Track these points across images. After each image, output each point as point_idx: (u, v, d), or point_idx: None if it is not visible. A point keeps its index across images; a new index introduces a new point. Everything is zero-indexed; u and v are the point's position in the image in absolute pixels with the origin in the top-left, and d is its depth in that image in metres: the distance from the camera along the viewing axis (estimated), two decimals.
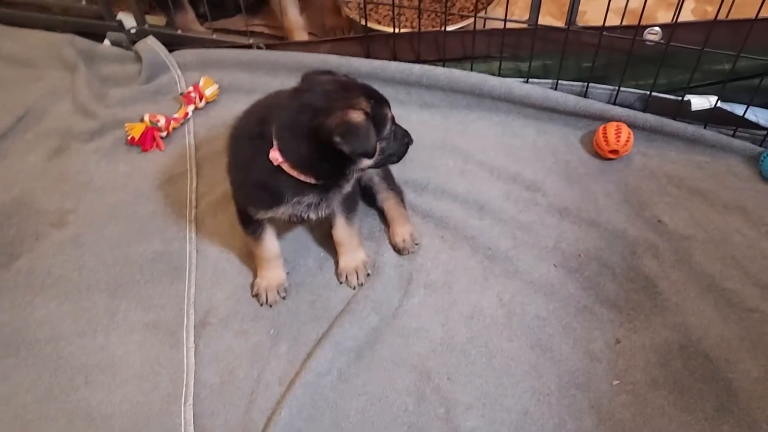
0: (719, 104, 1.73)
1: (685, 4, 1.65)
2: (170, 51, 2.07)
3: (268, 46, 2.05)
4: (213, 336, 1.42)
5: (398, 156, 1.34)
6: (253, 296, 1.48)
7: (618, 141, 1.70)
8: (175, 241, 1.59)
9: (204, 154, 1.79)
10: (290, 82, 1.33)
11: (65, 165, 1.79)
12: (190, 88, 1.93)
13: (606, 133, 1.71)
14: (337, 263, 1.52)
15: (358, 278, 1.49)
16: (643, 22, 1.69)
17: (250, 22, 2.11)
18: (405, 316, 1.44)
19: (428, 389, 1.33)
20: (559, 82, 1.84)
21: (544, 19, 2.18)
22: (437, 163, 1.74)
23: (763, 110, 1.77)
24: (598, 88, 1.83)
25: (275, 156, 1.21)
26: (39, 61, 2.13)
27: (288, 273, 1.51)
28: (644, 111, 1.79)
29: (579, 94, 1.84)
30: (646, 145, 1.78)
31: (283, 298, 1.48)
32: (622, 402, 1.30)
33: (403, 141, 1.34)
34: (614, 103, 1.82)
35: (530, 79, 1.87)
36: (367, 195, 1.59)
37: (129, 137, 1.82)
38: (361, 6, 1.98)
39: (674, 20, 1.66)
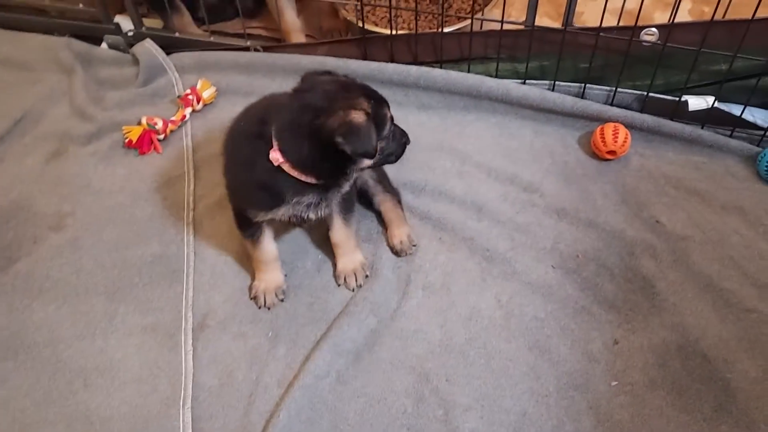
0: (716, 104, 1.73)
1: (681, 4, 1.65)
2: (167, 54, 2.07)
3: (266, 49, 2.05)
4: (211, 339, 1.42)
5: (396, 156, 1.35)
6: (251, 299, 1.48)
7: (615, 142, 1.70)
8: (173, 244, 1.59)
9: (201, 157, 1.79)
10: (288, 84, 1.33)
11: (63, 168, 1.79)
12: (188, 91, 1.93)
13: (603, 134, 1.71)
14: (335, 265, 1.52)
15: (356, 280, 1.49)
16: (639, 23, 1.69)
17: (247, 24, 2.11)
18: (403, 317, 1.44)
19: (427, 391, 1.33)
20: (557, 83, 1.85)
21: (541, 20, 2.18)
22: (435, 165, 1.74)
23: (760, 110, 1.77)
24: (596, 89, 1.84)
25: (276, 156, 1.21)
26: (36, 65, 2.13)
27: (286, 275, 1.51)
28: (641, 112, 1.79)
29: (576, 95, 1.84)
30: (644, 146, 1.78)
31: (282, 300, 1.48)
32: (621, 403, 1.30)
33: (401, 141, 1.34)
34: (611, 104, 1.82)
35: (527, 81, 1.87)
36: (364, 198, 1.59)
37: (126, 140, 1.82)
38: (359, 8, 1.98)
39: (671, 21, 1.66)
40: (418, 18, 1.91)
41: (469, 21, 1.97)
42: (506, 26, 1.80)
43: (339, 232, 1.47)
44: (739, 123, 1.75)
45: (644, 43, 1.73)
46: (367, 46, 1.95)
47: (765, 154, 1.67)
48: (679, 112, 1.77)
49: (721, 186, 1.67)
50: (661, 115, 1.78)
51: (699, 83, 1.78)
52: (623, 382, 1.33)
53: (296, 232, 1.61)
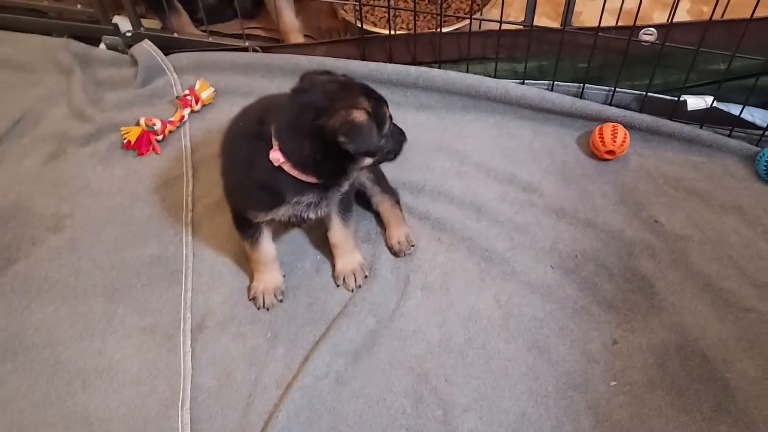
0: (715, 104, 1.73)
1: (680, 4, 1.66)
2: (166, 54, 2.07)
3: (264, 49, 2.05)
4: (210, 339, 1.42)
5: (395, 153, 1.35)
6: (250, 300, 1.48)
7: (614, 142, 1.70)
8: (172, 245, 1.58)
9: (200, 157, 1.79)
10: (286, 84, 1.33)
11: (62, 169, 1.79)
12: (186, 91, 1.93)
13: (602, 134, 1.71)
14: (333, 266, 1.52)
15: (356, 280, 1.49)
16: (638, 23, 1.69)
17: (245, 25, 2.11)
18: (402, 318, 1.44)
19: (426, 391, 1.33)
20: (555, 83, 1.85)
21: (540, 20, 2.18)
22: (434, 165, 1.74)
23: (759, 110, 1.77)
24: (594, 89, 1.83)
25: (276, 156, 1.21)
26: (35, 66, 2.13)
27: (284, 276, 1.51)
28: (640, 111, 1.79)
29: (575, 95, 1.84)
30: (643, 146, 1.78)
31: (280, 301, 1.48)
32: (620, 403, 1.29)
33: (399, 139, 1.35)
34: (610, 104, 1.82)
35: (526, 81, 1.87)
36: (363, 198, 1.58)
37: (125, 141, 1.82)
38: (357, 8, 1.98)
39: (669, 20, 1.66)
40: (416, 18, 1.91)
41: (467, 21, 1.96)
42: (505, 26, 1.80)
43: (337, 233, 1.47)
44: (737, 122, 1.75)
45: (643, 43, 1.73)
46: (365, 46, 1.95)
47: (764, 154, 1.67)
48: (678, 112, 1.77)
49: (720, 186, 1.67)
50: (659, 115, 1.78)
51: (698, 83, 1.78)
52: (622, 382, 1.32)
53: (295, 232, 1.60)
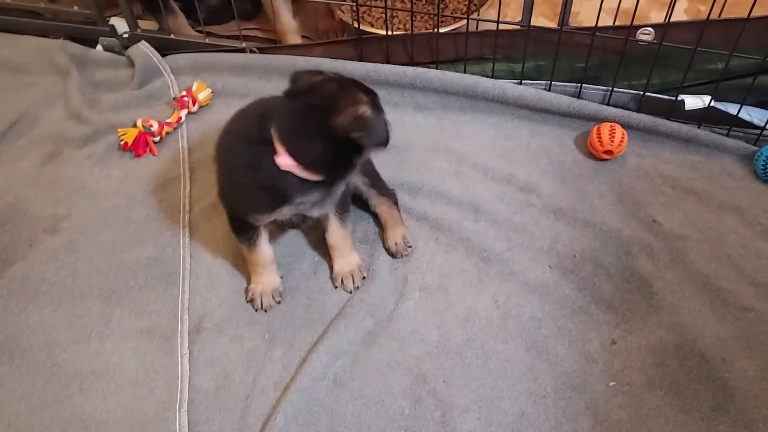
0: (713, 104, 1.73)
1: (677, 3, 1.66)
2: (163, 56, 2.06)
3: (261, 50, 2.05)
4: (208, 341, 1.41)
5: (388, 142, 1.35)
6: (247, 302, 1.47)
7: (612, 141, 1.70)
8: (169, 247, 1.58)
9: (197, 159, 1.79)
10: (284, 85, 1.32)
11: (58, 171, 1.79)
12: (183, 93, 1.92)
13: (600, 134, 1.71)
14: (331, 268, 1.51)
15: (354, 282, 1.49)
16: (635, 22, 1.69)
17: (242, 26, 2.11)
18: (400, 319, 1.44)
19: (424, 392, 1.32)
20: (553, 83, 1.84)
21: (537, 20, 2.18)
22: (431, 165, 1.74)
23: (756, 109, 1.77)
24: (592, 89, 1.83)
25: (284, 162, 1.20)
26: (31, 67, 2.13)
27: (282, 277, 1.50)
28: (638, 111, 1.79)
29: (572, 95, 1.84)
30: (640, 146, 1.78)
31: (278, 302, 1.47)
32: (619, 403, 1.29)
33: (387, 127, 1.34)
34: (608, 104, 1.82)
35: (523, 81, 1.87)
36: (361, 200, 1.58)
37: (122, 142, 1.82)
38: (354, 9, 1.98)
39: (667, 20, 1.66)
40: (413, 18, 1.91)
41: (464, 21, 1.97)
42: (502, 26, 1.80)
43: (335, 233, 1.47)
44: (735, 122, 1.75)
45: (640, 43, 1.73)
46: (362, 46, 1.95)
47: (761, 153, 1.67)
48: (676, 112, 1.77)
49: (717, 185, 1.67)
50: (657, 115, 1.78)
51: (695, 82, 1.78)
52: (621, 382, 1.32)
53: (292, 234, 1.60)
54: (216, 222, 1.60)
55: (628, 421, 1.27)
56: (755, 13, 1.56)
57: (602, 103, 1.83)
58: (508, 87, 1.82)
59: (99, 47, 2.19)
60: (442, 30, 1.97)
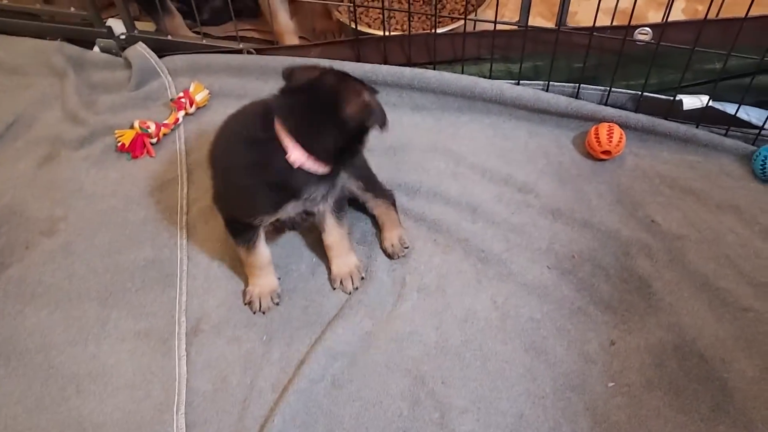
0: (711, 103, 1.73)
1: (675, 3, 1.66)
2: (160, 57, 2.06)
3: (259, 51, 2.04)
4: (205, 343, 1.41)
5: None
6: (245, 304, 1.46)
7: (610, 142, 1.69)
8: (166, 248, 1.57)
9: (195, 160, 1.78)
10: (281, 86, 1.33)
11: (55, 173, 1.78)
12: (181, 94, 1.92)
13: (598, 134, 1.71)
14: (329, 269, 1.51)
15: (353, 283, 1.48)
16: (633, 22, 1.69)
17: (239, 27, 2.11)
18: (398, 320, 1.43)
19: (423, 394, 1.32)
20: (551, 83, 1.84)
21: (535, 20, 2.18)
22: (429, 166, 1.74)
23: (754, 109, 1.77)
24: (590, 89, 1.83)
25: (296, 156, 1.22)
26: (28, 69, 2.12)
27: (279, 278, 1.50)
28: (636, 111, 1.79)
29: (570, 95, 1.84)
30: (639, 146, 1.77)
31: (277, 304, 1.47)
32: (618, 404, 1.29)
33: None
34: (606, 104, 1.82)
35: (521, 81, 1.87)
36: (359, 201, 1.58)
37: (119, 144, 1.81)
38: (352, 9, 1.98)
39: (664, 20, 1.66)
40: (411, 19, 1.90)
41: (462, 21, 1.96)
42: (499, 27, 1.80)
43: (332, 233, 1.47)
44: (733, 122, 1.74)
45: (638, 43, 1.73)
46: (360, 47, 1.94)
47: (760, 153, 1.67)
48: (674, 112, 1.76)
49: (716, 185, 1.67)
50: (655, 115, 1.77)
51: (693, 82, 1.78)
52: (620, 383, 1.32)
53: (290, 235, 1.60)
54: (213, 223, 1.60)
55: (627, 422, 1.26)
56: (753, 13, 1.56)
57: (600, 103, 1.83)
58: (505, 87, 1.82)
59: (96, 49, 2.18)
60: (439, 30, 1.97)
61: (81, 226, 1.64)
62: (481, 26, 1.92)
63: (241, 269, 1.50)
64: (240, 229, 1.40)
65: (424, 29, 2.21)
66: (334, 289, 1.49)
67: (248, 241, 1.41)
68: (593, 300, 1.45)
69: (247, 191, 1.32)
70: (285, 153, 1.22)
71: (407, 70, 1.86)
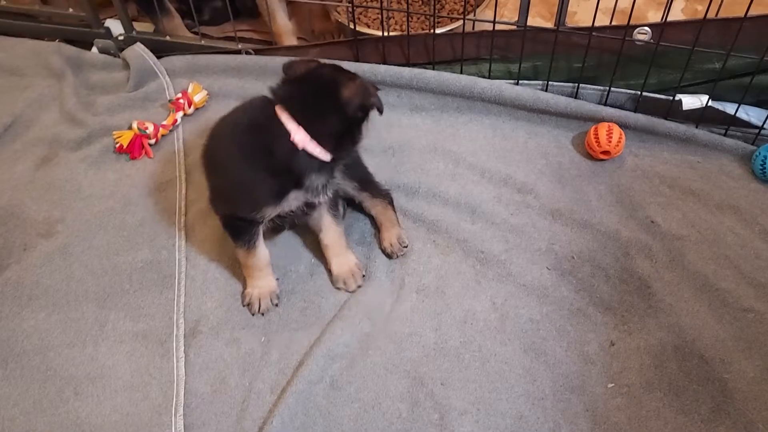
0: (710, 103, 1.72)
1: (674, 3, 1.65)
2: (158, 57, 2.05)
3: (257, 52, 2.04)
4: (203, 345, 1.40)
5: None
6: (244, 306, 1.46)
7: (610, 142, 1.69)
8: (165, 250, 1.57)
9: (193, 161, 1.77)
10: (281, 78, 1.34)
11: (53, 174, 1.77)
12: (179, 95, 1.91)
13: (597, 134, 1.71)
14: (329, 270, 1.51)
15: (355, 281, 1.48)
16: (632, 22, 1.69)
17: (237, 27, 2.10)
18: (397, 321, 1.43)
19: (422, 395, 1.31)
20: (550, 83, 1.84)
21: (534, 21, 2.18)
22: (428, 167, 1.73)
23: (754, 108, 1.77)
24: (589, 89, 1.83)
25: (300, 137, 1.25)
26: (26, 70, 2.11)
27: (278, 279, 1.49)
28: (635, 111, 1.79)
29: (570, 95, 1.83)
30: (638, 146, 1.77)
31: (276, 305, 1.47)
32: (617, 405, 1.29)
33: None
34: (605, 104, 1.82)
35: (520, 81, 1.86)
36: (357, 202, 1.58)
37: (117, 145, 1.80)
38: (350, 10, 1.97)
39: (664, 20, 1.66)
40: (410, 19, 1.90)
41: (461, 22, 1.96)
42: (498, 27, 1.80)
43: (330, 231, 1.47)
44: (733, 122, 1.74)
45: (637, 42, 1.73)
46: (359, 47, 1.94)
47: (759, 153, 1.66)
48: (673, 112, 1.76)
49: (716, 185, 1.66)
50: (655, 115, 1.77)
51: (693, 82, 1.77)
52: (620, 384, 1.32)
53: (289, 236, 1.59)
54: (212, 225, 1.59)
55: (627, 423, 1.26)
56: (752, 12, 1.55)
57: (599, 103, 1.82)
58: (505, 87, 1.82)
59: (94, 49, 2.17)
60: (438, 31, 1.96)
61: (79, 227, 1.63)
62: (480, 26, 1.91)
63: (239, 270, 1.50)
64: (239, 229, 1.39)
65: (423, 29, 2.20)
66: (339, 289, 1.49)
67: (248, 241, 1.40)
68: (593, 301, 1.45)
69: (249, 182, 1.32)
70: (288, 136, 1.25)
71: (406, 71, 1.86)
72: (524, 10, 1.80)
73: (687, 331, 1.37)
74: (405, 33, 1.95)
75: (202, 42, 2.09)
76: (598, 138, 1.70)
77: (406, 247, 1.54)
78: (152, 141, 1.83)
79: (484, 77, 1.86)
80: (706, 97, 1.72)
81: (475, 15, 2.09)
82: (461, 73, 1.88)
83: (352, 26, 1.96)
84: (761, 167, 1.64)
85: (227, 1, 1.96)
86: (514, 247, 1.55)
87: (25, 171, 1.79)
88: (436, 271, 1.51)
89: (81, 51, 2.14)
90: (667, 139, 1.76)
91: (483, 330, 1.41)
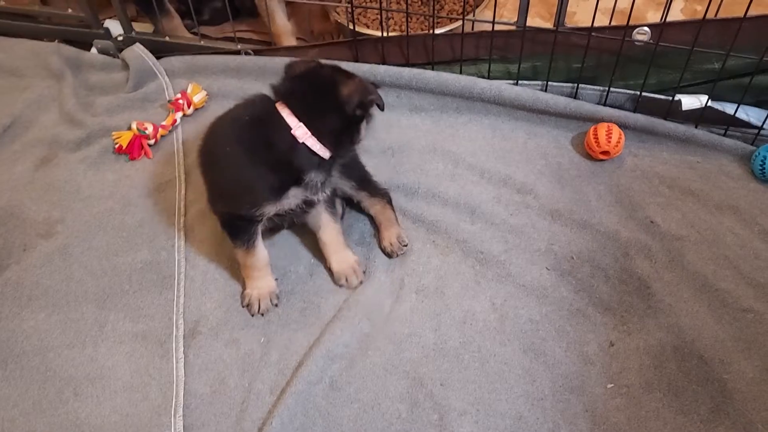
0: (710, 103, 1.72)
1: (674, 3, 1.65)
2: (158, 58, 2.05)
3: (256, 52, 2.04)
4: (203, 346, 1.40)
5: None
6: (244, 307, 1.46)
7: (609, 142, 1.69)
8: (164, 250, 1.57)
9: (193, 161, 1.77)
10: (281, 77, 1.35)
11: (52, 175, 1.77)
12: (178, 95, 1.91)
13: (597, 135, 1.71)
14: (329, 270, 1.51)
15: (357, 277, 1.49)
16: (632, 22, 1.69)
17: (236, 28, 2.10)
18: (397, 322, 1.43)
19: (421, 396, 1.31)
20: (549, 83, 1.84)
21: (533, 21, 2.18)
22: (428, 167, 1.73)
23: (754, 108, 1.77)
24: (588, 89, 1.83)
25: (301, 132, 1.27)
26: (25, 70, 2.11)
27: (277, 280, 1.49)
28: (635, 111, 1.79)
29: (569, 96, 1.83)
30: (638, 146, 1.77)
31: (276, 305, 1.47)
32: (617, 405, 1.29)
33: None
34: (605, 104, 1.82)
35: (520, 81, 1.86)
36: (355, 202, 1.58)
37: (116, 145, 1.80)
38: (349, 10, 1.97)
39: (663, 20, 1.66)
40: (409, 20, 1.90)
41: (460, 22, 1.96)
42: (498, 27, 1.80)
43: (328, 228, 1.48)
44: (732, 122, 1.74)
45: (637, 43, 1.73)
46: (358, 48, 1.94)
47: (759, 153, 1.66)
48: (673, 112, 1.76)
49: (715, 185, 1.66)
50: (654, 115, 1.77)
51: (692, 82, 1.77)
52: (619, 385, 1.32)
53: (288, 236, 1.59)
54: (211, 225, 1.59)
55: (627, 423, 1.26)
56: (752, 13, 1.55)
57: (599, 103, 1.82)
58: (504, 88, 1.82)
59: (93, 50, 2.17)
60: (437, 31, 1.96)
61: (78, 228, 1.63)
62: (480, 27, 1.91)
63: (238, 271, 1.50)
64: (238, 229, 1.39)
65: (422, 30, 2.20)
66: (341, 286, 1.49)
67: (246, 241, 1.40)
68: (592, 301, 1.45)
69: (249, 177, 1.32)
70: (288, 131, 1.27)
71: (406, 71, 1.86)
72: (523, 10, 1.80)
73: (686, 332, 1.37)
74: (404, 33, 1.95)
75: (202, 42, 2.09)
76: (597, 138, 1.70)
77: (406, 246, 1.54)
78: (151, 141, 1.83)
79: (483, 77, 1.86)
80: (706, 97, 1.72)
81: (474, 15, 2.09)
82: (460, 73, 1.88)
83: (351, 27, 1.96)
84: (761, 167, 1.64)
85: (226, 2, 1.96)
86: (514, 248, 1.55)
87: (25, 172, 1.79)
88: (435, 271, 1.51)
89: (80, 51, 2.14)
90: (667, 139, 1.76)
91: (482, 330, 1.41)
